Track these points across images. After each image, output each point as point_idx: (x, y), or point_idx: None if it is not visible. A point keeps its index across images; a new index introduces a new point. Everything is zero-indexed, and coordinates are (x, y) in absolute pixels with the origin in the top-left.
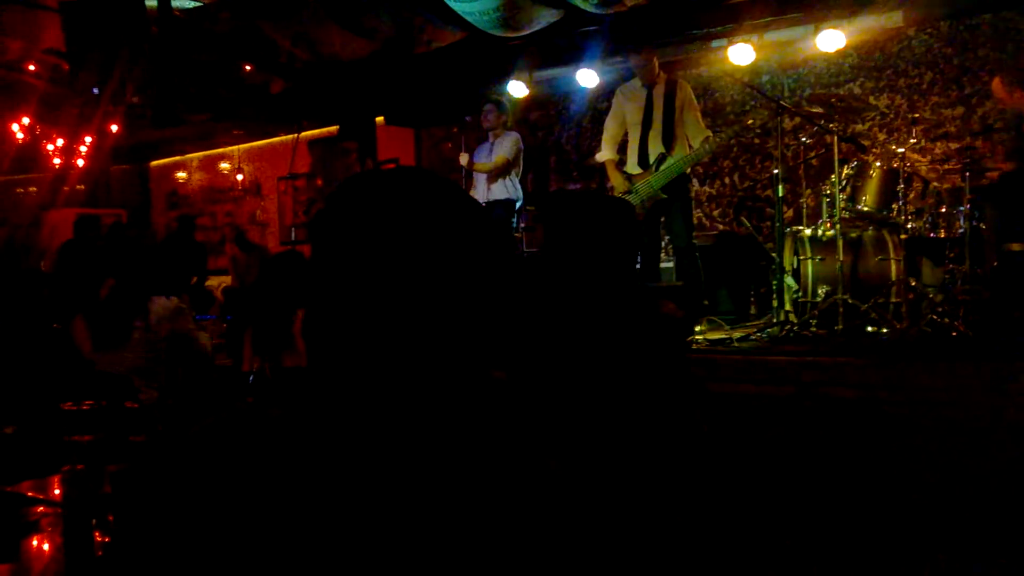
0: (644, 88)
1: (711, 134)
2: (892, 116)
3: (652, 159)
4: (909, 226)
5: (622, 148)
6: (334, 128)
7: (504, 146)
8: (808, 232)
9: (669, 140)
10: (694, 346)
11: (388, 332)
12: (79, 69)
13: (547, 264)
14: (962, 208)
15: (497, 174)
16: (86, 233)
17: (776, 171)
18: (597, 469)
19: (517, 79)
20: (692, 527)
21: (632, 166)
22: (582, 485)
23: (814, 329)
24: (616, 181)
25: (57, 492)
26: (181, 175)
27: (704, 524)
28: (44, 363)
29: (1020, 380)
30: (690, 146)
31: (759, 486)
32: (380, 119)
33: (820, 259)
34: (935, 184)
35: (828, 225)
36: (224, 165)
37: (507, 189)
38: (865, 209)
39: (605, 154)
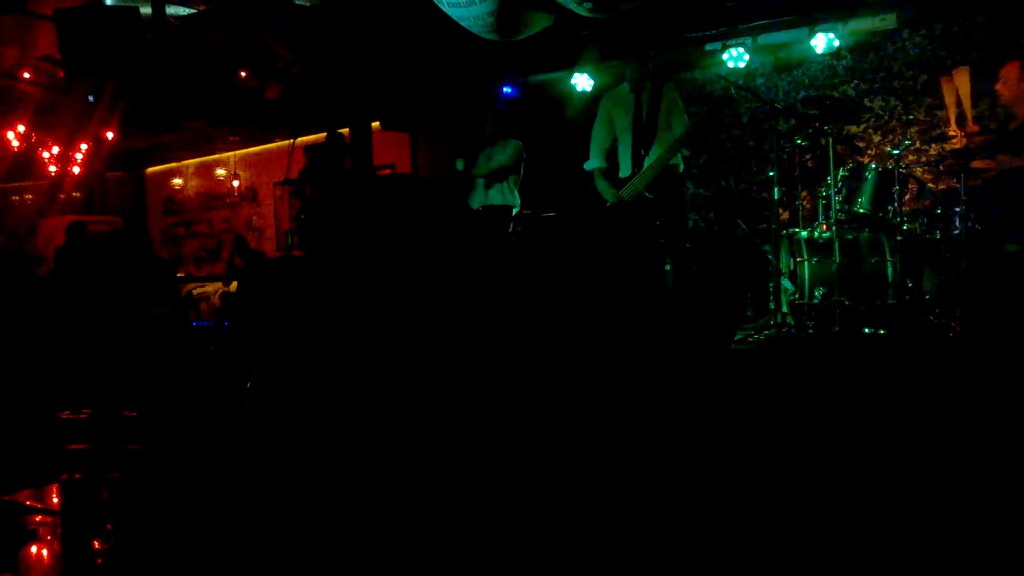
0: (632, 93)
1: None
2: (887, 118)
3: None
4: (905, 227)
5: (611, 156)
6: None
7: (505, 153)
8: (804, 234)
9: (650, 143)
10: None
11: (379, 334)
12: (74, 76)
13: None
14: (957, 209)
15: (495, 180)
16: (77, 239)
17: (772, 173)
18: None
19: (512, 84)
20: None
21: (625, 171)
22: (591, 483)
23: (811, 331)
24: (602, 188)
25: (56, 500)
26: (177, 181)
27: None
28: (43, 371)
29: (1016, 380)
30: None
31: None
32: (376, 124)
33: (816, 261)
34: (930, 185)
35: (824, 227)
36: (220, 171)
37: (505, 196)
38: (861, 211)
39: (593, 162)
